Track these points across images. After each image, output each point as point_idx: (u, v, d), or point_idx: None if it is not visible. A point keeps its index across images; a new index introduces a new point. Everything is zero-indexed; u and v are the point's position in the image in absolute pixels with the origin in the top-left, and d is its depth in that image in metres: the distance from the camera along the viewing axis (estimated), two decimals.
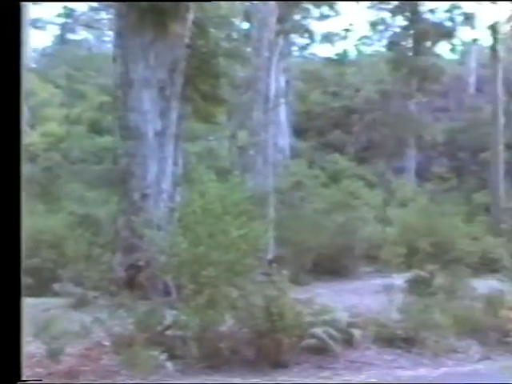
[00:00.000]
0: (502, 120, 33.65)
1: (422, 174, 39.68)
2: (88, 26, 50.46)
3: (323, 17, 42.80)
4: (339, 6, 41.59)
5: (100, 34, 54.52)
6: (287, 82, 42.84)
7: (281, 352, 10.78)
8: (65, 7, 46.69)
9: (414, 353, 11.88)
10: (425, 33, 40.77)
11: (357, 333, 11.77)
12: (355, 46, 51.86)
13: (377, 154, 41.10)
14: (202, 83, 19.27)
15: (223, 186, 12.14)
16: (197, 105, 19.59)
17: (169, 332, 11.11)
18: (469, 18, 40.83)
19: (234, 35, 24.50)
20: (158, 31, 16.75)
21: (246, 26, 29.37)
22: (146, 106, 16.68)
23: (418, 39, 41.31)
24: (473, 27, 41.27)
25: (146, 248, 14.68)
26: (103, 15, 45.15)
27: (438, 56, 43.48)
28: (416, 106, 42.23)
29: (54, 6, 45.75)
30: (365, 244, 23.55)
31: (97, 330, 11.10)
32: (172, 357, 10.29)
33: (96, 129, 37.63)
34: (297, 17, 38.53)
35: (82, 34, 55.68)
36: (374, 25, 45.50)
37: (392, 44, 43.57)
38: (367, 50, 53.02)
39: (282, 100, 39.02)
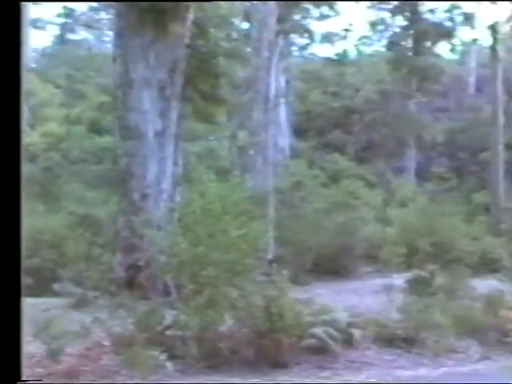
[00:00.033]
0: (501, 120, 33.66)
1: (422, 174, 39.68)
2: (88, 25, 50.46)
3: (323, 17, 42.82)
4: (339, 5, 41.63)
5: (100, 34, 54.52)
6: (287, 81, 42.84)
7: (281, 352, 10.78)
8: (64, 7, 46.71)
9: (413, 353, 11.89)
10: (425, 33, 40.78)
11: (357, 333, 11.77)
12: (355, 46, 51.96)
13: (377, 153, 41.10)
14: (201, 83, 19.27)
15: (223, 185, 12.14)
16: (197, 105, 19.60)
17: (169, 332, 11.11)
18: (469, 18, 40.84)
19: (234, 35, 24.50)
20: (158, 31, 16.75)
21: (245, 25, 29.38)
22: (145, 106, 16.68)
23: (418, 39, 41.32)
24: (473, 27, 41.30)
25: (146, 248, 14.68)
26: (103, 15, 45.16)
27: (437, 56, 43.49)
28: (416, 106, 42.24)
29: (54, 5, 45.78)
30: (365, 244, 23.55)
31: (97, 330, 11.10)
32: (172, 357, 10.29)
33: (96, 129, 37.64)
34: (297, 17, 38.53)
35: (81, 34, 55.71)
36: (373, 25, 45.50)
37: (392, 44, 43.58)
38: (367, 50, 53.10)
39: (282, 100, 39.02)
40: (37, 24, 45.06)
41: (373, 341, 12.07)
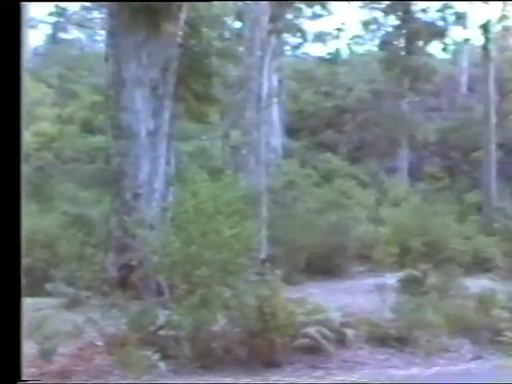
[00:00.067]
0: (493, 119, 33.77)
1: (415, 174, 39.75)
2: (80, 25, 50.31)
3: (315, 16, 42.87)
4: (331, 5, 41.71)
5: (92, 33, 54.37)
6: (280, 81, 42.86)
7: (273, 352, 10.78)
8: (56, 6, 46.54)
9: (406, 352, 11.89)
10: (417, 32, 40.83)
11: (349, 332, 11.77)
12: (347, 45, 51.93)
13: (369, 153, 41.14)
14: (194, 82, 19.26)
15: (216, 185, 12.13)
16: (189, 104, 19.59)
17: (161, 332, 11.10)
18: (461, 18, 40.89)
19: (227, 34, 24.52)
20: (151, 30, 16.73)
21: (238, 25, 29.36)
22: (138, 106, 16.66)
23: (410, 39, 41.38)
24: (465, 27, 41.35)
25: (139, 248, 14.66)
26: (95, 14, 45.01)
27: (430, 55, 43.57)
28: (408, 106, 42.31)
29: (46, 4, 45.60)
30: (357, 243, 23.58)
31: (89, 330, 11.08)
32: (165, 357, 10.27)
33: (88, 128, 37.58)
34: (289, 16, 38.54)
35: (74, 33, 55.50)
36: (366, 24, 45.54)
37: (384, 43, 43.63)
38: (359, 49, 53.11)
39: (275, 99, 39.04)
40: (29, 23, 44.93)
41: (366, 340, 12.07)
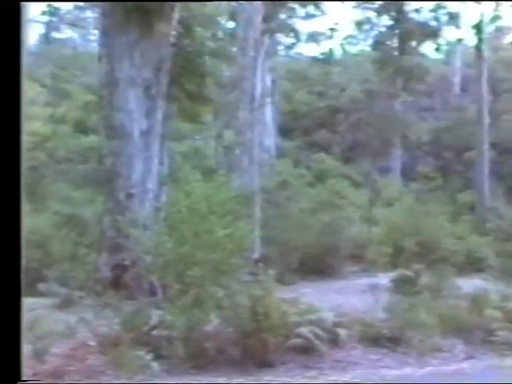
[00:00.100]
0: (486, 119, 33.86)
1: (408, 174, 39.79)
2: (73, 24, 50.32)
3: (309, 16, 42.91)
4: (325, 5, 41.74)
5: (85, 33, 54.35)
6: (273, 81, 42.87)
7: (267, 352, 10.78)
8: (49, 5, 46.53)
9: (399, 352, 11.90)
10: (410, 32, 40.89)
11: (342, 332, 11.77)
12: (341, 45, 51.92)
13: (362, 153, 41.19)
14: (187, 82, 19.26)
15: (209, 185, 12.13)
16: (182, 104, 19.58)
17: (154, 332, 11.09)
18: (454, 18, 40.97)
19: (220, 34, 24.46)
20: (144, 30, 16.72)
21: (231, 25, 29.32)
22: (131, 106, 16.65)
23: (404, 39, 41.44)
24: (458, 27, 41.43)
25: (132, 248, 14.64)
26: (88, 14, 45.08)
27: (423, 56, 43.66)
28: (401, 106, 42.36)
29: (39, 4, 45.54)
30: (351, 243, 23.58)
31: (82, 330, 11.05)
32: (158, 357, 10.26)
33: (81, 128, 37.49)
34: (282, 16, 38.55)
35: (67, 33, 55.53)
36: (359, 24, 45.57)
37: (377, 43, 43.68)
38: (353, 49, 53.13)
39: (268, 99, 39.03)
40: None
41: (358, 340, 12.07)
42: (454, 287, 16.11)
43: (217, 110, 27.96)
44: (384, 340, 12.10)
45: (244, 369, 10.48)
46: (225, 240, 11.34)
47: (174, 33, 17.35)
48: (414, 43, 41.76)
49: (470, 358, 12.09)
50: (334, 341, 11.65)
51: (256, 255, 19.17)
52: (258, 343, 10.69)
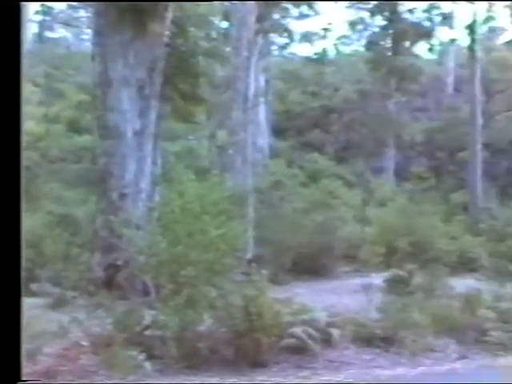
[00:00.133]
0: (479, 120, 33.91)
1: (401, 174, 39.81)
2: (66, 24, 50.23)
3: (302, 16, 42.95)
4: (318, 5, 41.75)
5: (79, 32, 54.28)
6: (266, 81, 42.84)
7: (260, 352, 10.78)
8: (42, 5, 46.46)
9: (392, 352, 11.91)
10: (403, 33, 40.92)
11: (335, 332, 11.78)
12: (334, 45, 52.04)
13: (356, 153, 41.21)
14: (181, 82, 19.25)
15: (202, 185, 12.13)
16: (176, 104, 19.58)
17: (147, 332, 11.08)
18: (447, 18, 41.01)
19: (213, 34, 24.46)
20: (137, 30, 16.70)
21: (225, 25, 29.31)
22: (124, 105, 16.63)
23: (397, 39, 41.47)
24: (451, 27, 41.49)
25: (125, 248, 14.62)
26: (82, 13, 44.93)
27: (416, 56, 43.70)
28: (395, 106, 42.39)
29: (33, 3, 45.39)
30: (344, 243, 23.57)
31: (75, 330, 11.04)
32: (151, 357, 10.26)
33: (75, 128, 37.42)
34: (276, 16, 38.49)
35: (60, 32, 55.47)
36: (352, 24, 45.63)
37: (371, 44, 43.71)
38: (346, 49, 53.23)
39: (262, 99, 39.00)
40: None
41: (351, 340, 12.08)
42: (447, 287, 16.13)
43: (210, 110, 27.93)
44: (377, 340, 12.11)
45: (237, 369, 10.48)
46: (218, 240, 11.34)
47: (167, 33, 17.34)
48: (407, 43, 41.81)
49: (462, 358, 12.11)
50: (327, 341, 11.65)
51: (249, 255, 19.16)
52: (251, 343, 10.69)
